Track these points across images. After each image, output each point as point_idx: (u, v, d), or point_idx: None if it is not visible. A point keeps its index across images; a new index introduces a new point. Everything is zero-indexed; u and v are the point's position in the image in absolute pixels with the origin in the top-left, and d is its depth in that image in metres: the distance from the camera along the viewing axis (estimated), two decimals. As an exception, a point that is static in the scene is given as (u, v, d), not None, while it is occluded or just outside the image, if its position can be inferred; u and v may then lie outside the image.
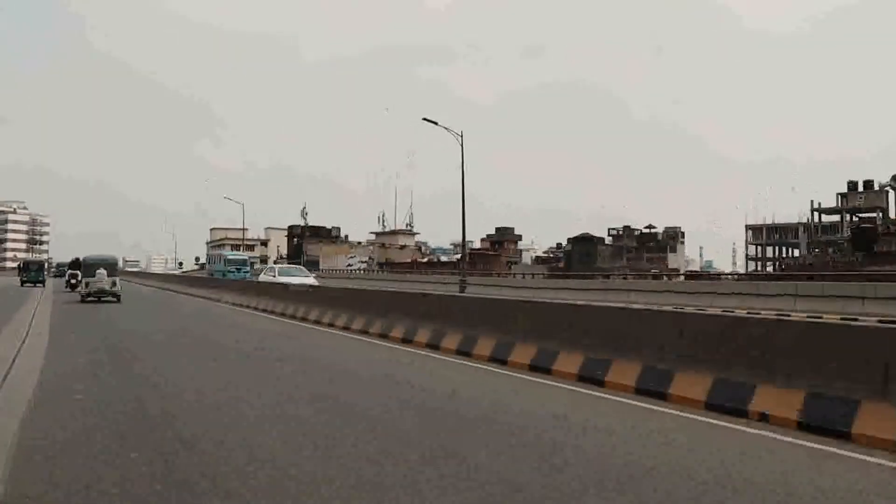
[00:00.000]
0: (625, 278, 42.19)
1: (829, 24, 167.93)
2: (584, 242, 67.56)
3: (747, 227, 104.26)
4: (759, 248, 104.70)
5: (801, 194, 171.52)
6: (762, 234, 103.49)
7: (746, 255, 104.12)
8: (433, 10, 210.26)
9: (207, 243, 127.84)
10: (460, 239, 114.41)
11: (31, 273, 42.38)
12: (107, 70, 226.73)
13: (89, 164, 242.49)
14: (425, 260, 63.90)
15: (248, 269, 54.08)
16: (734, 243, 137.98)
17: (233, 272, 51.44)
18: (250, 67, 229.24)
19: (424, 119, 29.36)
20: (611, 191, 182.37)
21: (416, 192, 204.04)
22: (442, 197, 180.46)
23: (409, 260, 69.96)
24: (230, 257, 59.15)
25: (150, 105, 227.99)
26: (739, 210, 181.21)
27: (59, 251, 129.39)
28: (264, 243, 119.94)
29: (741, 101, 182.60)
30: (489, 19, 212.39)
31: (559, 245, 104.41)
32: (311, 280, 26.59)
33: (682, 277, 47.10)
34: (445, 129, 28.93)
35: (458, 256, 72.95)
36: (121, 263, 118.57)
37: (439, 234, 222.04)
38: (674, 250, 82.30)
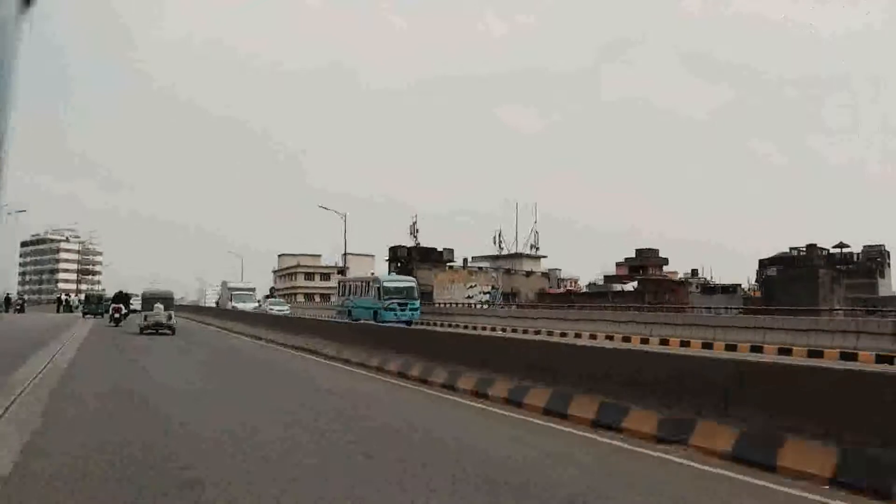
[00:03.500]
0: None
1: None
2: (792, 267, 52.12)
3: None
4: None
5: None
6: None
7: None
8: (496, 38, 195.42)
9: (274, 271, 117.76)
10: (556, 266, 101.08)
11: (92, 305, 48.54)
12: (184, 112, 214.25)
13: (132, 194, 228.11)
14: (585, 291, 51.61)
15: (418, 304, 36.40)
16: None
17: (393, 310, 34.71)
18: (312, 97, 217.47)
19: None
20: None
21: (483, 209, 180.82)
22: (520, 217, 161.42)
23: (564, 290, 57.73)
24: (388, 284, 36.82)
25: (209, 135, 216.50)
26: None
27: (111, 284, 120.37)
28: (342, 271, 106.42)
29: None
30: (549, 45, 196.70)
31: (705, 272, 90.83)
32: None
33: None
34: None
35: (631, 286, 60.44)
36: (220, 293, 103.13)
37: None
38: (882, 275, 67.29)
